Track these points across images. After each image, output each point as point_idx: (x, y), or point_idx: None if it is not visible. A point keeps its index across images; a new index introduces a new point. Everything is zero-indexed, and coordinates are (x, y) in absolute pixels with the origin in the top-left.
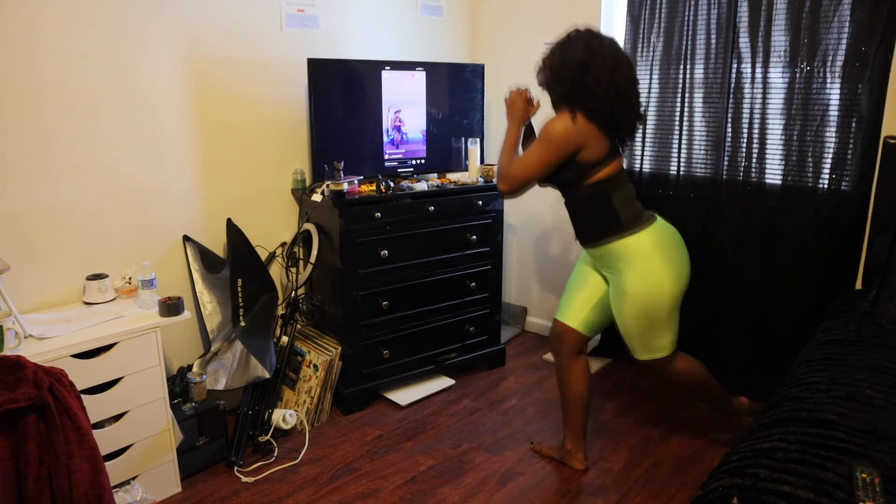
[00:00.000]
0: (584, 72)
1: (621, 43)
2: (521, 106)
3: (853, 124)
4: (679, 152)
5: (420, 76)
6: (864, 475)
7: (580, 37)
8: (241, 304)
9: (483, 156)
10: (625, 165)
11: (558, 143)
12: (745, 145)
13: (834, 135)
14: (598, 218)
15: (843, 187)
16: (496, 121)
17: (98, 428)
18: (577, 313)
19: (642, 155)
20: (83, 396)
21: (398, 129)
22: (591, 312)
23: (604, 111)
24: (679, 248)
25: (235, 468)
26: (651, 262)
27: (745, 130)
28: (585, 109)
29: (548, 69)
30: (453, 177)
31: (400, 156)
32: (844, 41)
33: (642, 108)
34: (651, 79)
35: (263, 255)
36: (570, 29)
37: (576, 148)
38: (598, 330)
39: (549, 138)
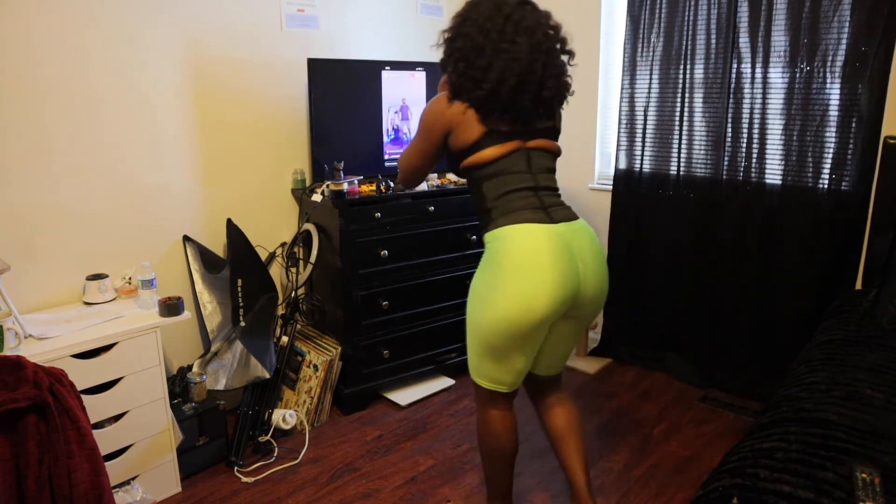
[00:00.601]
0: (453, 44)
1: (621, 43)
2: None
3: (853, 124)
4: (679, 152)
5: (420, 76)
6: (864, 475)
7: (466, 3)
8: (241, 304)
9: None
10: (623, 165)
11: (426, 128)
12: (745, 145)
13: (834, 135)
14: (477, 206)
15: (843, 187)
16: None
17: (98, 428)
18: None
19: (642, 155)
20: (83, 396)
21: (400, 131)
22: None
23: (467, 89)
24: (536, 273)
25: (235, 468)
26: (489, 268)
27: (745, 130)
28: (462, 91)
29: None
30: (453, 177)
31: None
32: (844, 41)
33: (566, 78)
34: (651, 79)
35: (263, 255)
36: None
37: (444, 132)
38: (541, 367)
39: (422, 124)
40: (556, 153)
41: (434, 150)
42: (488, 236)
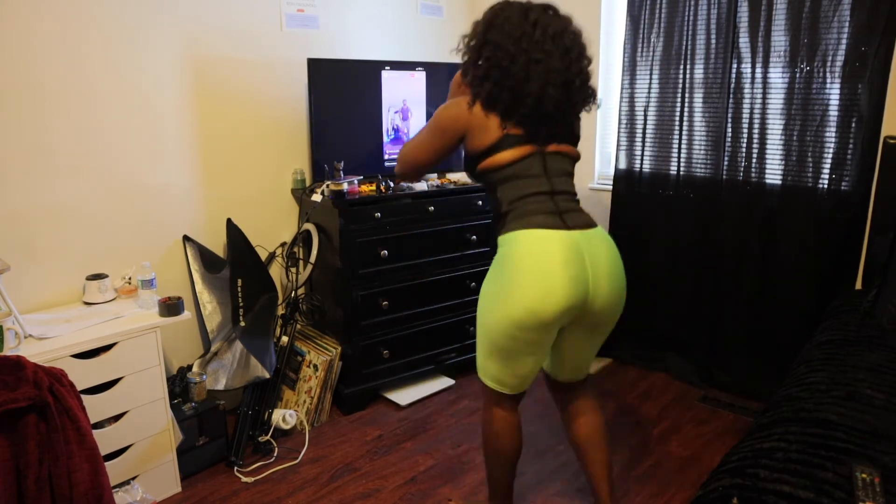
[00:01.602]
0: (480, 52)
1: (621, 43)
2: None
3: (853, 124)
4: (679, 152)
5: (420, 76)
6: (864, 475)
7: (489, 10)
8: (241, 304)
9: None
10: (623, 165)
11: (440, 128)
12: (745, 145)
13: (834, 135)
14: (493, 209)
15: (843, 187)
16: None
17: (98, 428)
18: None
19: (642, 155)
20: (83, 396)
21: (400, 131)
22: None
23: (501, 99)
24: (545, 277)
25: (235, 468)
26: (499, 270)
27: (745, 130)
28: (482, 96)
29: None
30: (453, 177)
31: None
32: (844, 41)
33: (591, 83)
34: (651, 79)
35: (263, 255)
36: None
37: (461, 135)
38: (557, 368)
39: (436, 123)
40: (576, 158)
41: (444, 151)
42: (501, 239)
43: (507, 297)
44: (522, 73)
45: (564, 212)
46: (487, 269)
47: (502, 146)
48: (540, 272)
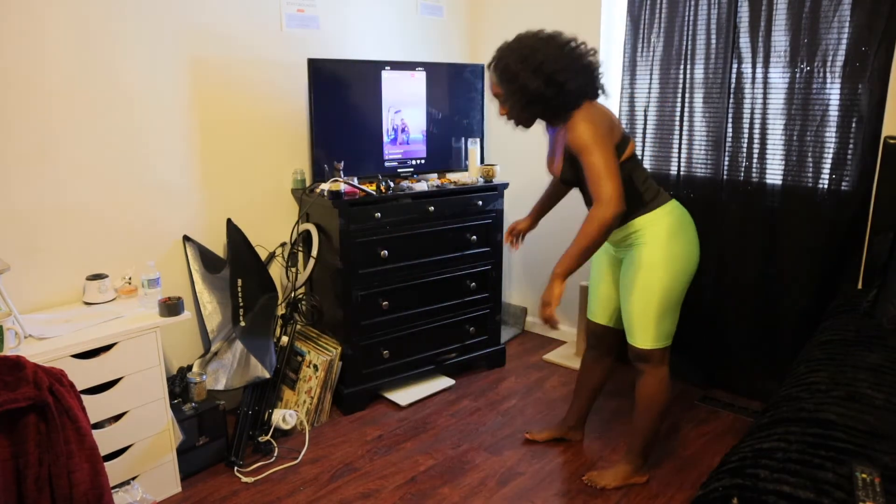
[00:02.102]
0: (547, 74)
1: (621, 43)
2: (555, 294)
3: (853, 124)
4: (679, 152)
5: (420, 76)
6: (864, 475)
7: (510, 53)
8: (241, 304)
9: (483, 156)
10: None
11: (604, 140)
12: (745, 145)
13: (834, 135)
14: (629, 195)
15: (843, 187)
16: (496, 121)
17: (98, 428)
18: (604, 310)
19: (642, 155)
20: (83, 396)
21: (403, 130)
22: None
23: (592, 88)
24: (694, 229)
25: (235, 468)
26: (673, 236)
27: (746, 130)
28: (584, 97)
29: (517, 96)
30: (453, 177)
31: (400, 156)
32: (844, 41)
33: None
34: (651, 79)
35: (263, 255)
36: (497, 58)
37: (614, 134)
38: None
39: (596, 140)
40: None
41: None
42: (654, 215)
43: (686, 253)
44: (590, 64)
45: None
46: (487, 269)
47: (627, 138)
48: (689, 231)
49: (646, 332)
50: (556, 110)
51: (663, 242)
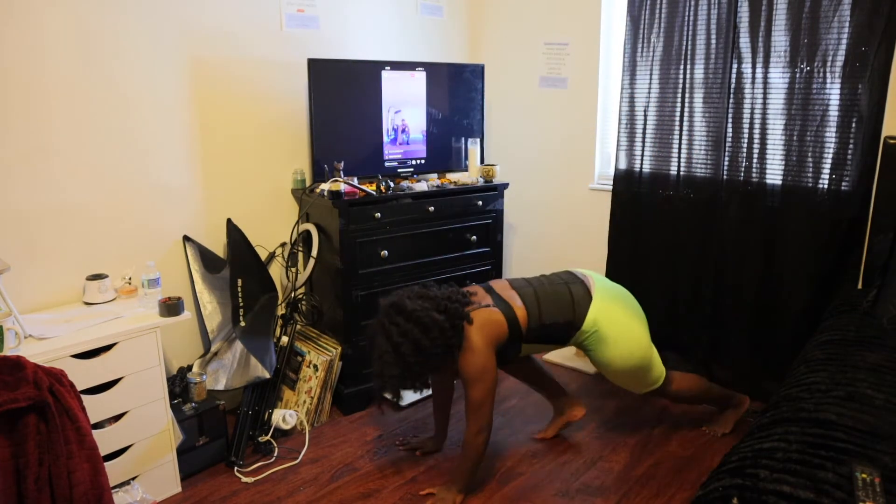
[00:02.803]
0: (415, 319)
1: (621, 43)
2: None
3: (853, 124)
4: (679, 152)
5: (420, 76)
6: (864, 475)
7: (379, 329)
8: (241, 304)
9: (483, 156)
10: (623, 165)
11: (489, 369)
12: (745, 145)
13: (834, 135)
14: (550, 336)
15: (843, 187)
16: (496, 121)
17: (98, 428)
18: None
19: (642, 155)
20: (83, 396)
21: (403, 130)
22: None
23: (445, 334)
24: (620, 294)
25: (235, 468)
26: (614, 323)
27: (746, 130)
28: (453, 342)
29: (403, 359)
30: (453, 177)
31: (400, 156)
32: (844, 41)
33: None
34: (651, 79)
35: (263, 255)
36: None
37: (497, 347)
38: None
39: (479, 376)
40: None
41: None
42: (586, 324)
43: (630, 317)
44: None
45: None
46: (487, 269)
47: (512, 320)
48: (620, 295)
49: (643, 384)
50: (436, 348)
51: (610, 332)
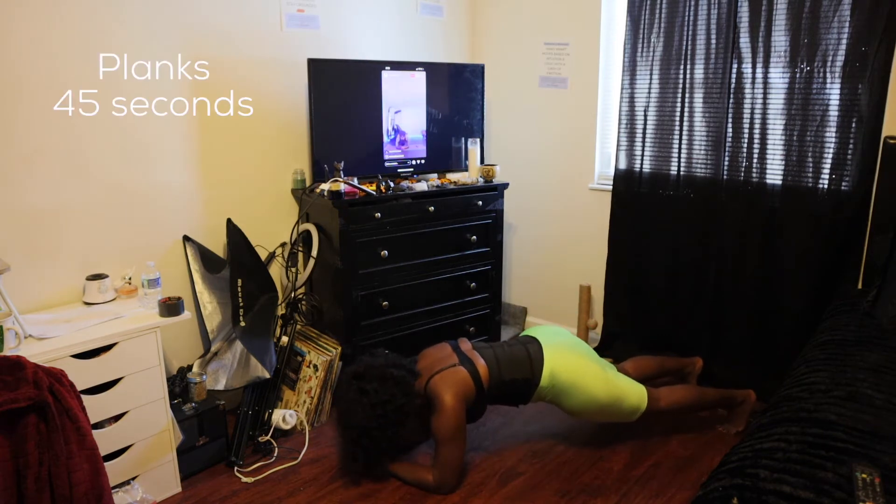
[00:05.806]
0: (386, 392)
1: (621, 43)
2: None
3: (853, 124)
4: (679, 152)
5: (420, 76)
6: (864, 475)
7: (342, 409)
8: (241, 304)
9: (483, 156)
10: (624, 165)
11: (461, 421)
12: (745, 145)
13: (834, 135)
14: (512, 394)
15: (843, 187)
16: (496, 121)
17: (98, 428)
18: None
19: (642, 155)
20: (83, 396)
21: (403, 130)
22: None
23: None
24: (561, 335)
25: (235, 468)
26: (571, 373)
27: (746, 130)
28: (416, 406)
29: (375, 433)
30: (453, 177)
31: (400, 156)
32: (844, 41)
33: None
34: (651, 79)
35: (263, 255)
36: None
37: (467, 405)
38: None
39: (452, 436)
40: None
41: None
42: (542, 384)
43: (589, 375)
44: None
45: None
46: (487, 269)
47: (475, 372)
48: (568, 345)
49: (625, 415)
50: (406, 419)
51: (568, 380)
